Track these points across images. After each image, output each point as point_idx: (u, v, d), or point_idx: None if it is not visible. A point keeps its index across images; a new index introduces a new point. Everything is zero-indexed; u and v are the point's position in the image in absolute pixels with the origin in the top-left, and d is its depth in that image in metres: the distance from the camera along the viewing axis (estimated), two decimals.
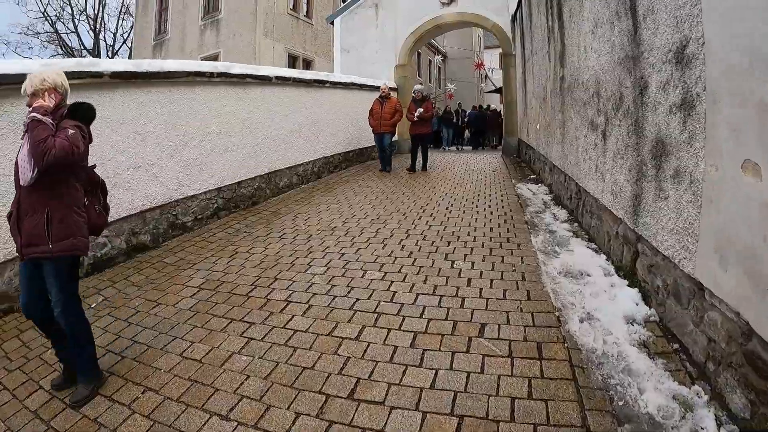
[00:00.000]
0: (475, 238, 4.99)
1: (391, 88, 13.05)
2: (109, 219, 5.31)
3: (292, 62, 21.00)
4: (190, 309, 3.79)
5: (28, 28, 32.95)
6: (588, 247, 4.57)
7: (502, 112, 22.65)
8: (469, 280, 3.89)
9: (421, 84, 9.81)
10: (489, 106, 22.57)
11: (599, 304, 3.35)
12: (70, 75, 4.77)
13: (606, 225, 4.27)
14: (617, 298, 3.40)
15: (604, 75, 4.21)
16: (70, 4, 34.30)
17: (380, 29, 14.53)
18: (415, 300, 3.58)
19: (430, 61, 35.62)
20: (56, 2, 37.77)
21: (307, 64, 22.09)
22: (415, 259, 4.45)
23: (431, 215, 6.04)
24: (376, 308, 3.50)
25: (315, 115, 9.50)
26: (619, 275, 3.77)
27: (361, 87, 11.69)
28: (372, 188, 8.17)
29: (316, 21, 22.71)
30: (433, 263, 4.33)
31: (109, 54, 34.41)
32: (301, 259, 4.75)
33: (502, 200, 6.77)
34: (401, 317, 3.33)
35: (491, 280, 3.84)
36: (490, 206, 6.42)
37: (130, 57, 30.23)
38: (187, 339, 3.30)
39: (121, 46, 34.55)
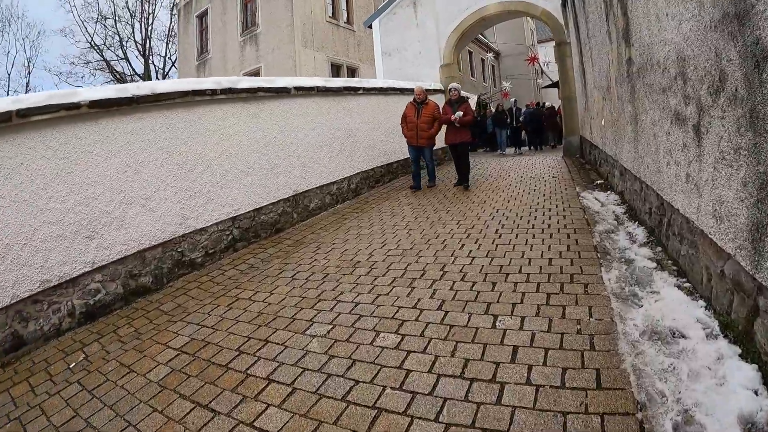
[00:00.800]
0: (528, 276, 3.84)
1: (435, 90, 12.03)
2: (100, 263, 4.71)
3: (336, 71, 20.35)
4: (159, 382, 3.07)
5: (78, 58, 34.43)
6: (679, 286, 3.36)
7: (559, 109, 21.17)
8: (515, 350, 2.79)
9: (459, 83, 8.54)
10: (544, 103, 20.96)
11: (702, 394, 2.22)
12: (39, 110, 4.18)
13: (704, 257, 3.05)
14: (727, 382, 2.27)
15: (691, 48, 2.99)
16: (117, 32, 35.59)
17: (421, 28, 13.52)
18: (434, 387, 2.55)
19: (483, 60, 34.19)
20: (103, 31, 39.67)
21: (352, 72, 21.38)
22: (445, 314, 3.38)
23: (476, 242, 4.93)
24: (376, 401, 2.51)
25: (348, 126, 8.60)
26: (726, 337, 2.63)
27: (402, 91, 10.72)
28: (413, 206, 7.17)
29: (358, 27, 21.98)
30: (468, 320, 3.24)
31: (159, 76, 35.36)
32: (305, 311, 3.83)
33: (564, 216, 5.55)
34: (408, 418, 2.32)
35: (545, 351, 2.73)
36: (549, 225, 5.23)
37: (155, 76, 30.90)
38: (140, 429, 2.58)
39: (170, 68, 35.33)
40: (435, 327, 3.21)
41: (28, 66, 38.48)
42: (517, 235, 5.01)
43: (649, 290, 3.42)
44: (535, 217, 5.65)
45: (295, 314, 3.80)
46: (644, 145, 4.44)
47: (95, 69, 34.98)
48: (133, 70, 36.70)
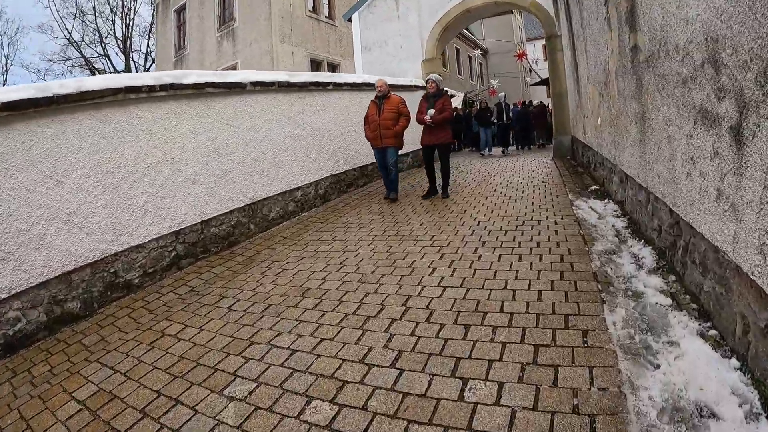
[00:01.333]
0: (511, 317, 3.03)
1: (417, 86, 11.21)
2: (19, 288, 3.84)
3: (316, 67, 19.47)
4: None
5: (58, 55, 33.25)
6: (703, 335, 2.65)
7: (549, 107, 20.42)
8: None
9: (439, 75, 7.61)
10: (531, 101, 20.27)
11: None
12: None
13: (740, 302, 2.30)
14: None
15: (727, 25, 2.19)
16: (97, 28, 34.49)
17: (402, 21, 12.69)
18: None
19: (470, 57, 33.47)
20: (83, 27, 38.48)
21: (333, 68, 20.51)
22: (400, 373, 2.58)
23: (450, 265, 4.12)
24: None
25: (316, 125, 7.76)
26: None
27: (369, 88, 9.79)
28: (384, 216, 6.37)
29: (340, 22, 21.12)
30: (428, 385, 2.44)
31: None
32: (231, 358, 3.05)
33: (555, 231, 4.75)
34: None
35: None
36: (538, 243, 4.42)
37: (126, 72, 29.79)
38: None
39: (151, 65, 34.36)
40: (383, 395, 2.39)
41: (6, 63, 37.19)
42: (500, 256, 4.19)
43: (665, 340, 2.63)
44: (522, 232, 4.84)
45: (220, 362, 3.00)
46: (654, 149, 3.64)
47: (73, 66, 33.88)
48: (114, 67, 35.60)
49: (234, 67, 20.10)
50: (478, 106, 15.08)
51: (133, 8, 36.18)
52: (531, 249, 4.28)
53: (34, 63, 48.48)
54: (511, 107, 17.47)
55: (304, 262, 4.81)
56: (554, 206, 5.80)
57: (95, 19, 34.54)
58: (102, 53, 34.88)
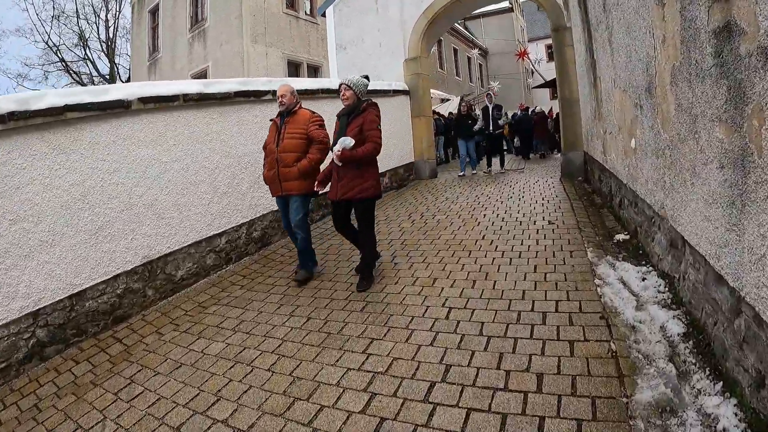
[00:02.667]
0: None
1: (396, 91, 9.27)
2: None
3: (294, 70, 17.56)
4: None
5: (41, 58, 31.58)
6: None
7: (551, 113, 18.36)
8: None
9: (365, 78, 4.26)
10: (535, 107, 18.42)
11: None
12: None
13: None
14: None
15: None
16: (80, 31, 32.81)
17: (382, 14, 10.79)
18: None
19: (469, 59, 31.53)
20: (65, 30, 36.80)
21: (315, 71, 18.60)
22: None
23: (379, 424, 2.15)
24: None
25: (248, 147, 5.85)
26: None
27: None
28: (317, 291, 4.37)
29: (322, 20, 19.20)
30: None
31: (123, 79, 32.63)
32: None
33: (571, 345, 2.83)
34: None
35: None
36: (540, 377, 2.51)
37: (129, 80, 28.07)
38: None
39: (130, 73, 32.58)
40: None
41: None
42: (467, 414, 2.24)
43: None
44: (515, 342, 2.89)
45: None
46: None
47: (51, 71, 32.19)
48: (98, 71, 33.88)
49: (204, 72, 18.30)
50: (458, 112, 12.17)
51: (116, 9, 34.44)
52: (525, 396, 2.32)
53: (15, 68, 46.78)
54: (509, 114, 15.65)
55: (177, 375, 2.96)
56: (567, 276, 3.85)
57: (77, 22, 32.89)
58: (84, 57, 33.18)
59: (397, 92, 9.70)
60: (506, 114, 13.83)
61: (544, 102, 31.81)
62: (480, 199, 7.26)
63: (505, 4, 34.26)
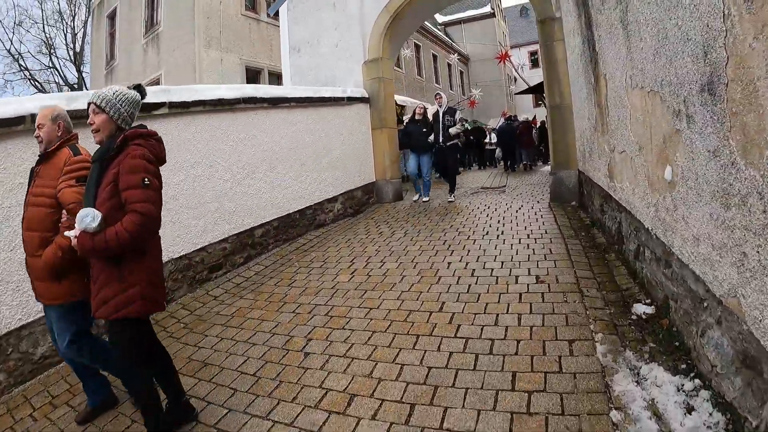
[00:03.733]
0: None
1: (352, 99, 7.70)
2: None
3: (253, 77, 15.94)
4: None
5: (9, 66, 29.85)
6: None
7: (535, 121, 16.96)
8: None
9: (127, 88, 2.46)
10: (515, 116, 17.30)
11: None
12: None
13: None
14: None
15: None
16: (46, 39, 31.09)
17: (339, 10, 9.25)
18: None
19: (449, 65, 30.16)
20: (27, 37, 35.17)
21: (278, 78, 16.90)
22: None
23: None
24: None
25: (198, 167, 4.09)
26: None
27: (276, 103, 6.46)
28: None
29: None
30: None
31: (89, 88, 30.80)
32: None
33: None
34: None
35: None
36: None
37: (84, 88, 26.31)
38: None
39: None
40: None
41: None
42: None
43: None
44: None
45: None
46: None
47: (13, 80, 30.43)
48: (65, 79, 32.02)
49: (157, 81, 16.58)
50: (410, 118, 9.51)
51: (85, 14, 32.68)
52: None
53: None
54: (467, 121, 14.48)
55: None
56: (565, 400, 2.29)
57: (44, 27, 31.16)
58: (50, 65, 31.35)
59: (352, 100, 8.11)
60: (464, 120, 12.20)
61: (528, 110, 30.51)
62: (447, 234, 5.65)
63: (486, 9, 33.03)
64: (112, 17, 21.48)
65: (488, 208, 6.95)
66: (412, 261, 4.78)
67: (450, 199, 8.09)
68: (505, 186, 9.91)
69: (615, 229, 4.31)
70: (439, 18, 34.07)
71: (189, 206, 5.17)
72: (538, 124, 17.06)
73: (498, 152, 16.75)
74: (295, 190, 6.74)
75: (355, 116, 8.22)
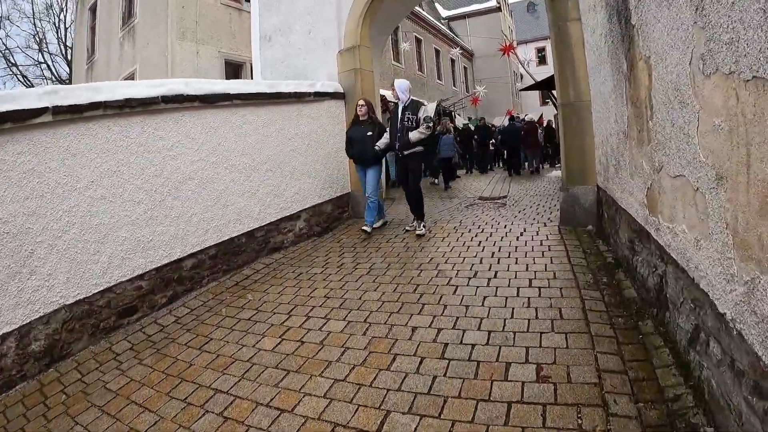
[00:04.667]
0: None
1: (322, 95, 6.38)
2: None
3: (234, 72, 14.62)
4: None
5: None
6: None
7: (542, 120, 15.45)
8: None
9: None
10: (521, 115, 15.84)
11: None
12: None
13: None
14: None
15: None
16: (35, 33, 30.21)
17: None
18: None
19: (452, 61, 28.72)
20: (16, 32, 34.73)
21: None
22: None
23: None
24: None
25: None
26: None
27: (214, 101, 5.14)
28: None
29: None
30: None
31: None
32: None
33: None
34: None
35: None
36: None
37: (69, 82, 25.20)
38: None
39: None
40: None
41: None
42: None
43: None
44: None
45: None
46: None
47: (3, 76, 29.60)
48: (58, 76, 31.08)
49: (132, 76, 15.35)
50: (358, 116, 6.51)
51: (75, 8, 31.72)
52: None
53: None
54: (492, 125, 13.08)
55: None
56: None
57: (34, 22, 30.24)
58: (42, 60, 30.34)
59: (322, 96, 6.76)
60: (438, 117, 10.86)
61: (533, 108, 29.05)
62: (422, 274, 4.28)
63: (492, 3, 31.55)
64: (93, 10, 20.34)
65: (482, 231, 5.55)
66: (364, 321, 3.42)
67: (419, 231, 5.76)
68: (506, 197, 8.51)
69: (654, 284, 2.93)
70: (443, 12, 32.65)
71: (85, 238, 3.88)
72: (544, 124, 15.67)
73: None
74: (240, 208, 5.41)
75: (325, 115, 6.86)
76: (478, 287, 3.76)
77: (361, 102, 6.19)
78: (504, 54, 14.19)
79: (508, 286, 3.72)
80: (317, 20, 7.84)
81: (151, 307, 4.46)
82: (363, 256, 5.10)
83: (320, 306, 3.87)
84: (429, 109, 6.12)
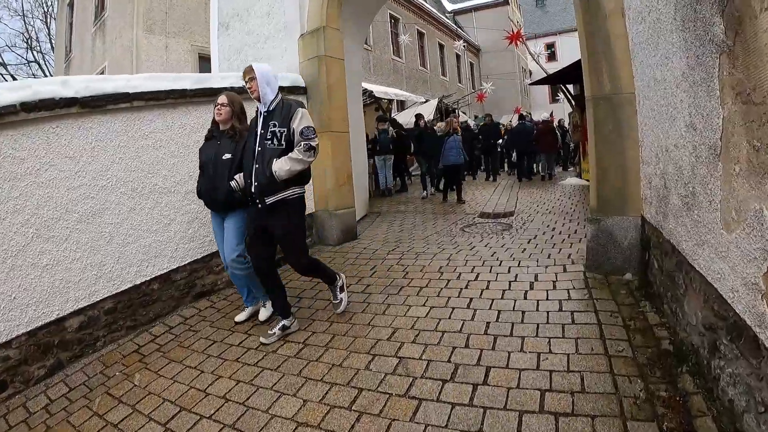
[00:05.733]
0: None
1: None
2: None
3: (209, 66, 13.12)
4: None
5: None
6: None
7: (552, 117, 13.64)
8: None
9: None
10: (527, 114, 14.21)
11: None
12: None
13: None
14: None
15: None
16: (26, 31, 29.34)
17: None
18: None
19: (458, 56, 27.15)
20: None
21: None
22: None
23: None
24: None
25: None
26: None
27: (104, 104, 3.62)
28: None
29: None
30: None
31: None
32: None
33: None
34: None
35: None
36: None
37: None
38: None
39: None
40: None
41: None
42: None
43: None
44: None
45: None
46: None
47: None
48: (50, 74, 30.14)
49: (103, 71, 13.99)
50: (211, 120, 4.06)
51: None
52: None
53: None
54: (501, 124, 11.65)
55: None
56: None
57: (24, 21, 29.34)
58: (32, 59, 29.30)
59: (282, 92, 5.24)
60: (440, 115, 9.40)
61: (542, 106, 27.48)
62: (371, 371, 2.75)
63: None
64: (71, 5, 19.16)
65: (476, 279, 4.00)
66: None
67: (339, 309, 3.55)
68: (513, 214, 6.96)
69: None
70: (448, 6, 31.11)
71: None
72: (556, 122, 14.05)
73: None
74: (147, 245, 3.97)
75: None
76: (453, 407, 2.23)
77: (222, 99, 3.58)
78: (511, 43, 12.58)
79: (504, 407, 2.19)
80: (275, 1, 6.36)
81: (25, 381, 3.13)
82: (305, 318, 3.60)
83: (209, 417, 2.40)
84: (303, 119, 3.11)
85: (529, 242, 5.02)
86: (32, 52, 29.11)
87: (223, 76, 5.02)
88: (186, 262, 4.31)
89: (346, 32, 6.21)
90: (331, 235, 5.67)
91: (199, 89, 4.48)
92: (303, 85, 5.74)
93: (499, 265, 4.27)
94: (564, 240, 4.99)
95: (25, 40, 29.45)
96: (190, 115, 4.44)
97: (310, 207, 5.77)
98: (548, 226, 5.81)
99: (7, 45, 29.34)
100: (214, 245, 4.44)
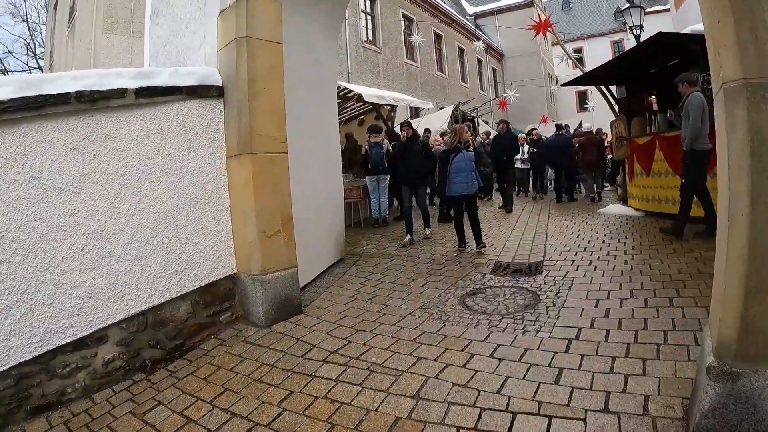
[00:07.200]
0: None
1: (147, 92, 2.84)
2: None
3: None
4: None
5: None
6: None
7: (604, 136, 11.16)
8: None
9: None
10: (565, 125, 11.72)
11: None
12: None
13: None
14: None
15: None
16: (30, 35, 28.90)
17: None
18: None
19: (479, 61, 25.10)
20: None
21: None
22: None
23: None
24: None
25: None
26: None
27: None
28: None
29: None
30: None
31: None
32: None
33: None
34: None
35: None
36: None
37: None
38: None
39: None
40: None
41: None
42: None
43: None
44: None
45: None
46: None
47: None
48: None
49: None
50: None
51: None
52: None
53: None
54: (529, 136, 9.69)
55: None
56: None
57: (27, 25, 28.82)
58: (35, 66, 28.64)
59: (165, 92, 3.33)
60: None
61: (569, 114, 25.26)
62: None
63: None
64: (56, 7, 18.08)
65: None
66: None
67: None
68: (540, 266, 4.87)
69: None
70: (469, 8, 29.15)
71: None
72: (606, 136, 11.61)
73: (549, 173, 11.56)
74: None
75: (173, 132, 3.46)
76: None
77: None
78: (537, 33, 10.53)
79: None
80: None
81: None
82: None
83: None
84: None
85: (567, 349, 2.92)
86: (35, 59, 28.31)
87: (74, 74, 3.14)
88: (11, 365, 2.42)
89: (296, 4, 4.28)
90: (255, 310, 3.69)
91: (34, 97, 2.60)
92: (217, 83, 3.81)
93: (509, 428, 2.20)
94: (630, 344, 2.88)
95: (24, 45, 28.78)
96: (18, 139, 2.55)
97: (225, 266, 3.81)
98: (595, 301, 3.70)
99: (10, 52, 28.72)
100: (59, 335, 2.52)
